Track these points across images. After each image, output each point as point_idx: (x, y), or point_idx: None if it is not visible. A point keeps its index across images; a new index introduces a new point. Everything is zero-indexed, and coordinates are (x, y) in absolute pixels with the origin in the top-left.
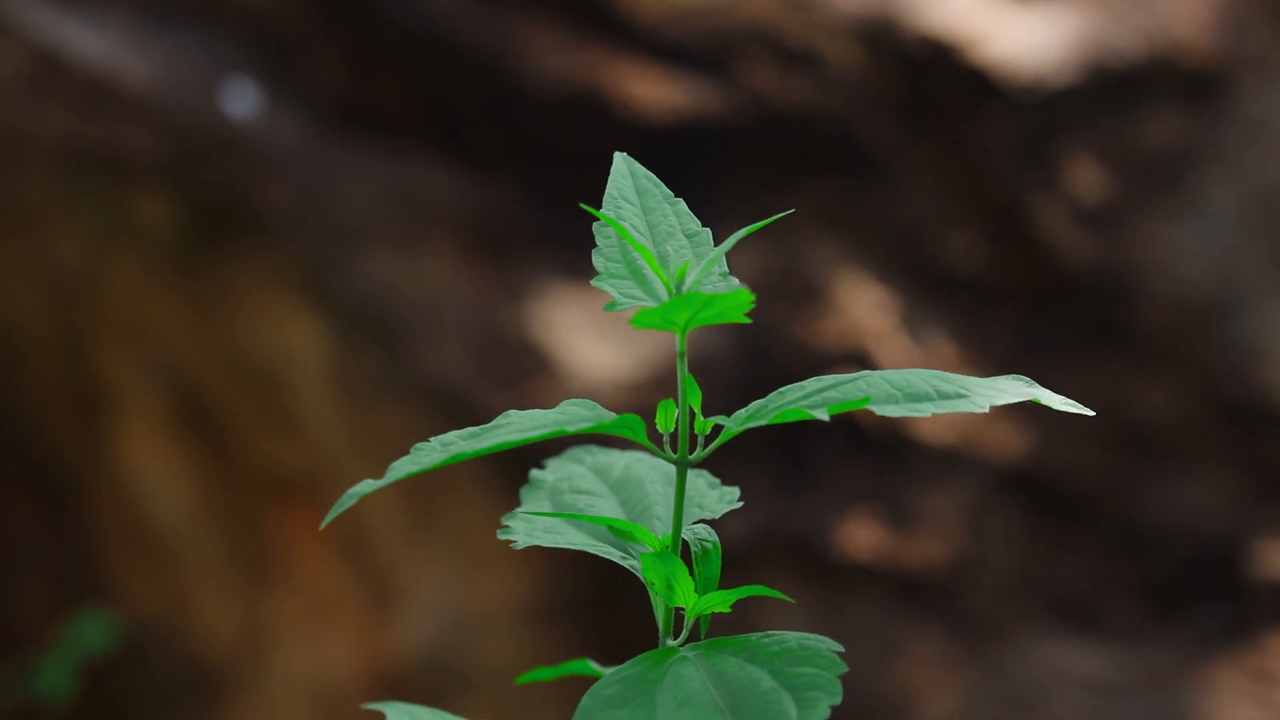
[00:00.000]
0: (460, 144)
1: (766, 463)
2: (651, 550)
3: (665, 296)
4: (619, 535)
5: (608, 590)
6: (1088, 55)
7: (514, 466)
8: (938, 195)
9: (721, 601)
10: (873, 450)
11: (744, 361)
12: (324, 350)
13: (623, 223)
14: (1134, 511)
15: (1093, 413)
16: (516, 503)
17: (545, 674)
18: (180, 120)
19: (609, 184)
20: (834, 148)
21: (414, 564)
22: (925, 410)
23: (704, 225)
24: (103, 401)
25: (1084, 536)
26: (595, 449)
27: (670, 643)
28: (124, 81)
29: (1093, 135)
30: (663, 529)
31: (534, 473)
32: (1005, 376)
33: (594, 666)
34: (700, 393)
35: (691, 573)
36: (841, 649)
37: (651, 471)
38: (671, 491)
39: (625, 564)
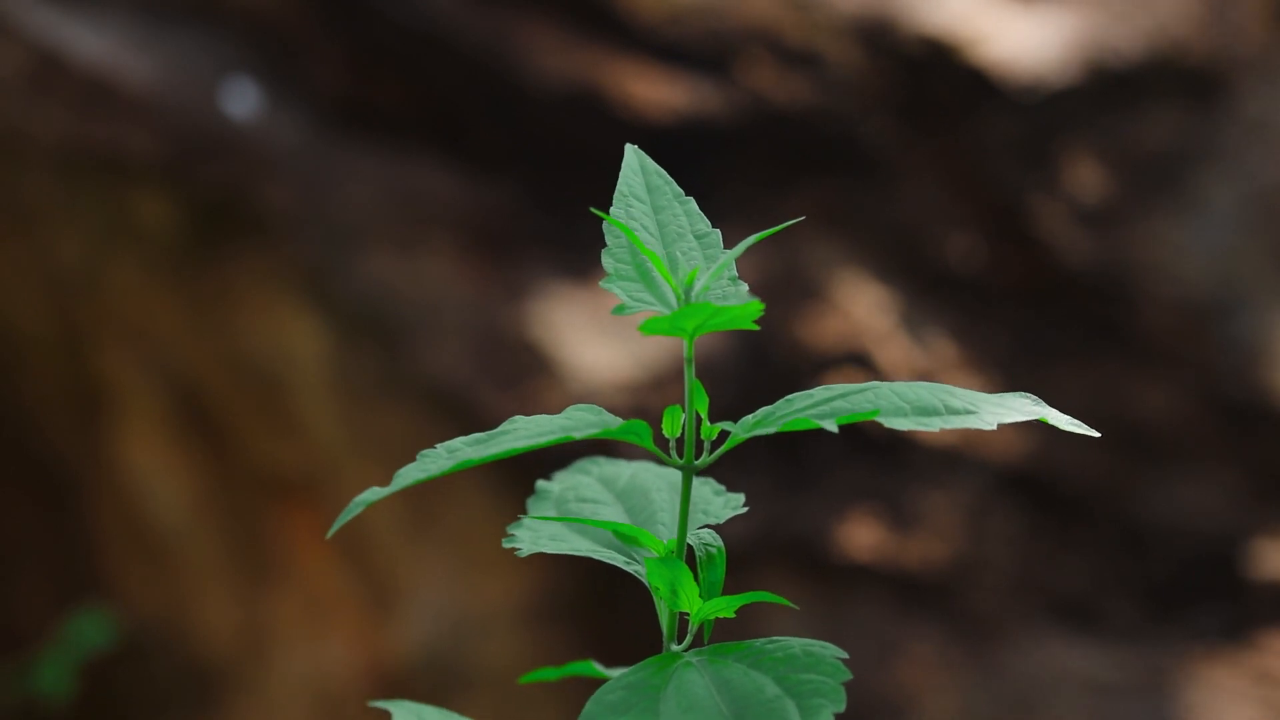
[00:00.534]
0: (460, 144)
1: (766, 463)
2: (656, 555)
3: (673, 300)
4: (624, 540)
5: (607, 591)
6: (1088, 55)
7: (514, 468)
8: (938, 195)
9: (726, 607)
10: (873, 450)
11: (744, 361)
12: (324, 350)
13: (632, 222)
14: (1134, 511)
15: (1098, 434)
16: (516, 503)
17: (549, 674)
18: (180, 120)
19: (620, 179)
20: (834, 148)
21: (414, 564)
22: (934, 425)
23: (715, 229)
24: (103, 401)
25: (1084, 536)
26: (602, 460)
27: (674, 648)
28: (124, 81)
29: (1093, 135)
30: (667, 535)
31: (540, 484)
32: (1013, 394)
33: (598, 668)
34: (707, 398)
35: (696, 578)
36: (846, 656)
37: (657, 480)
38: (676, 498)
39: (630, 569)
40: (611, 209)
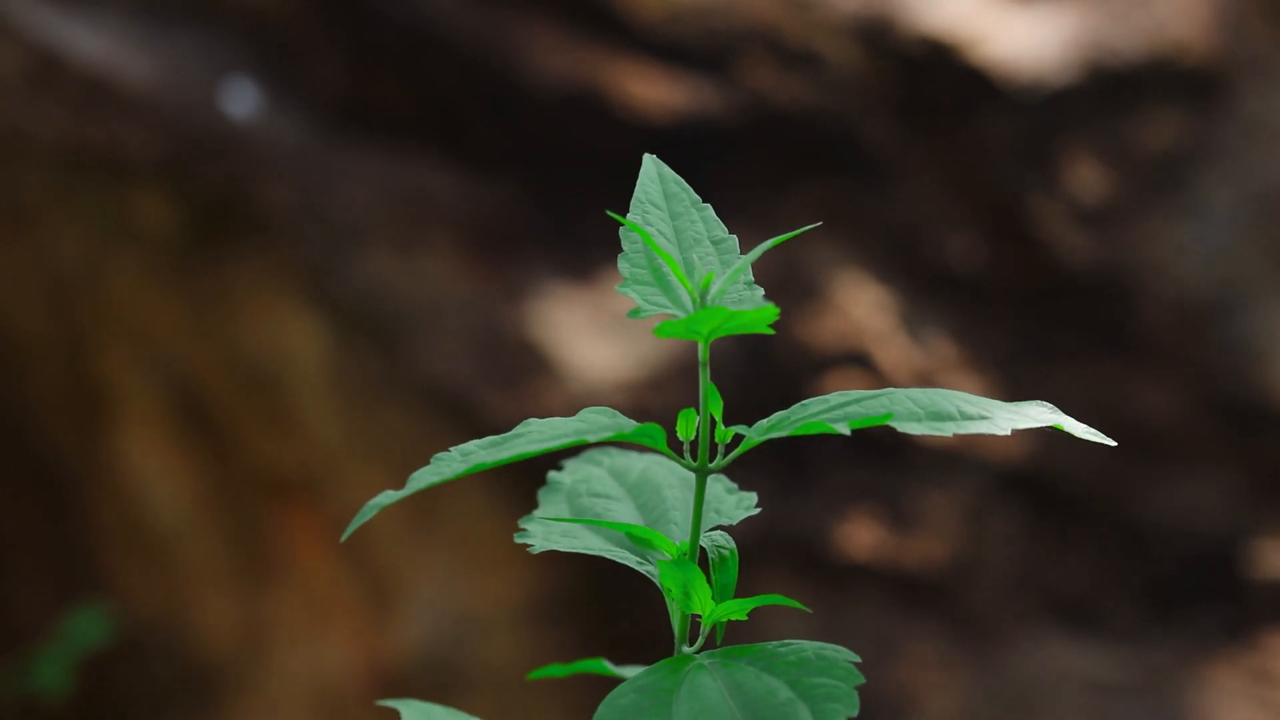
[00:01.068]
0: (460, 144)
1: (767, 463)
2: (669, 557)
3: (689, 304)
4: (636, 541)
5: (608, 590)
6: (1088, 55)
7: (516, 468)
8: (938, 195)
9: (739, 610)
10: (873, 450)
11: (744, 361)
12: (324, 350)
13: (649, 228)
14: (1134, 511)
15: (1114, 443)
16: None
17: (558, 670)
18: (180, 120)
19: (637, 187)
20: (834, 148)
21: (414, 564)
22: (948, 430)
23: (732, 235)
24: (102, 401)
25: (1084, 536)
26: (614, 451)
27: (686, 650)
28: (124, 81)
29: (1093, 135)
30: (680, 534)
31: (552, 474)
32: (1029, 402)
33: (609, 666)
34: (721, 401)
35: (709, 580)
36: (859, 659)
37: (669, 475)
38: (689, 496)
39: (642, 569)
40: (629, 215)
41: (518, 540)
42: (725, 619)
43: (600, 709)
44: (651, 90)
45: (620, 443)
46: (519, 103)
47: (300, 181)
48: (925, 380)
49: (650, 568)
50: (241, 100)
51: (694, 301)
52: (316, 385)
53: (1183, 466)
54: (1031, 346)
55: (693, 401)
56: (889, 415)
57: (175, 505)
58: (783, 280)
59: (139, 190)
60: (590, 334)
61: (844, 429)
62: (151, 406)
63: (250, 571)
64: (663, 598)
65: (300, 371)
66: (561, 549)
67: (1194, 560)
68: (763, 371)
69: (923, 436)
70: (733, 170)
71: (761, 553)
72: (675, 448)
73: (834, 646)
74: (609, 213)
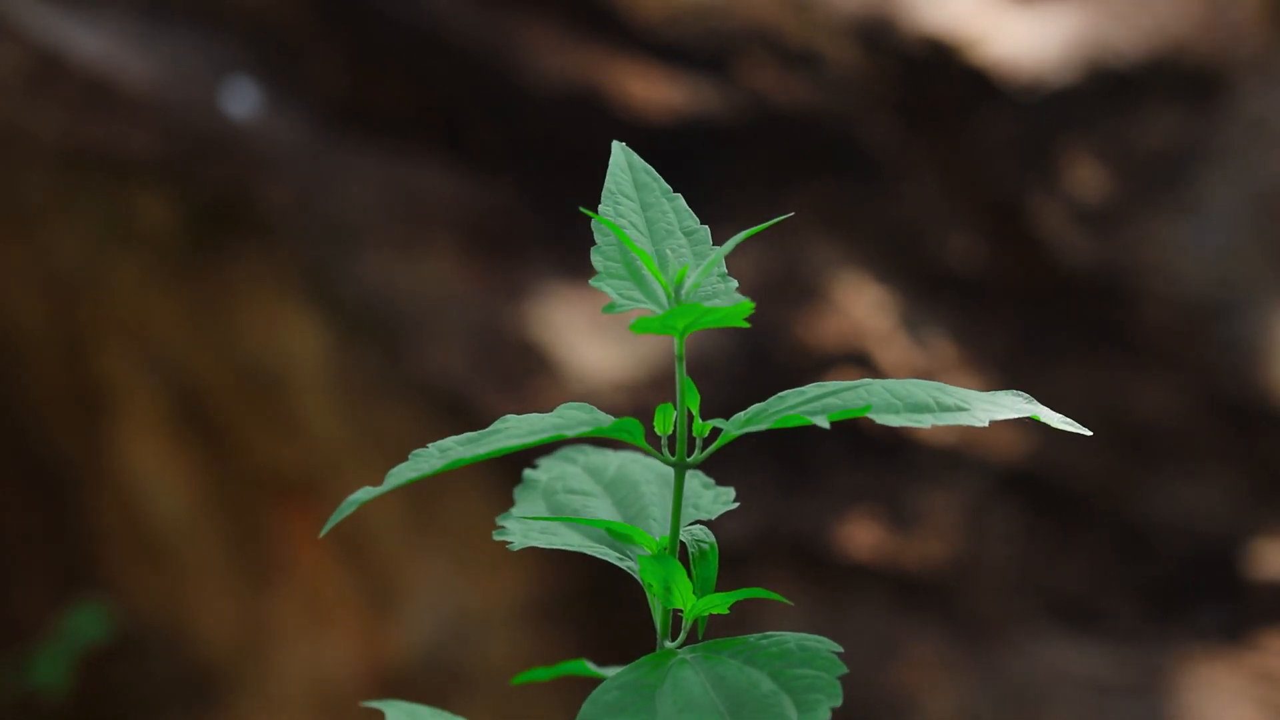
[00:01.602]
0: (460, 144)
1: (767, 463)
2: (649, 552)
3: (664, 299)
4: (616, 537)
5: (606, 590)
6: (1088, 55)
7: (514, 467)
8: (938, 195)
9: (720, 603)
10: (872, 450)
11: (743, 361)
12: (324, 350)
13: (621, 220)
14: (1134, 511)
15: (1090, 432)
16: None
17: (541, 674)
18: (180, 120)
19: (608, 177)
20: (834, 148)
21: (414, 564)
22: (925, 421)
23: (703, 225)
24: (103, 401)
25: (1084, 536)
26: (588, 448)
27: (668, 645)
28: (124, 81)
29: (1093, 135)
30: (659, 530)
31: (527, 472)
32: (1006, 391)
33: (591, 667)
34: (699, 395)
35: (690, 574)
36: (840, 650)
37: (646, 472)
38: (666, 492)
39: (622, 565)
40: (600, 207)
41: (496, 538)
42: (707, 613)
43: (585, 706)
44: (651, 90)
45: (597, 439)
46: (519, 103)
47: (300, 181)
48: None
49: (631, 563)
50: (241, 100)
51: (668, 296)
52: (317, 385)
53: (1183, 466)
54: (1031, 346)
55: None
56: (867, 407)
57: (175, 505)
58: (783, 281)
59: (139, 190)
60: (590, 334)
61: (822, 422)
62: (152, 406)
63: (250, 571)
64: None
65: (300, 371)
66: (541, 545)
67: (1194, 560)
68: (763, 372)
69: (922, 435)
70: (733, 170)
71: (761, 553)
72: (654, 443)
73: (816, 637)
74: (581, 209)
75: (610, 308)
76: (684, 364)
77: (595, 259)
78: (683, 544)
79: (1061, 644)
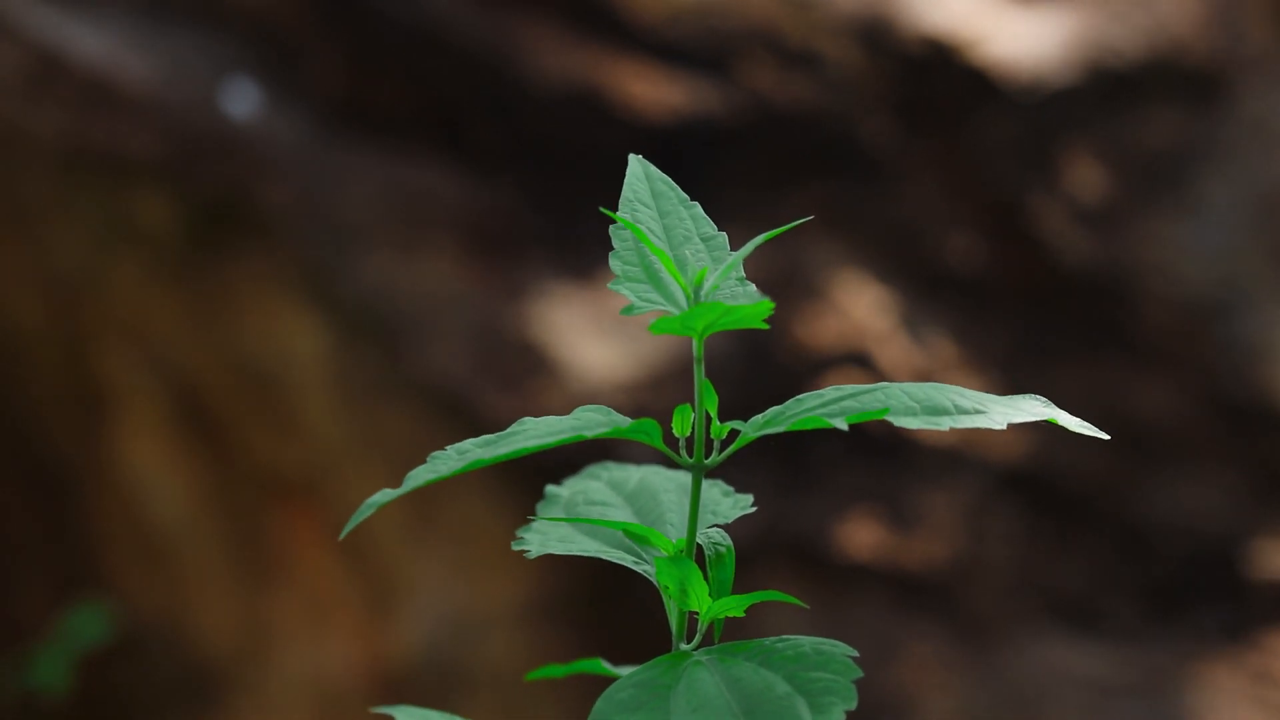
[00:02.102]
0: (460, 144)
1: (767, 463)
2: (666, 555)
3: (683, 301)
4: (633, 540)
5: (607, 592)
6: (1088, 55)
7: (515, 469)
8: (938, 195)
9: (736, 606)
10: (873, 450)
11: (744, 360)
12: (324, 350)
13: (639, 226)
14: (1134, 511)
15: (1107, 435)
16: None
17: (556, 671)
18: (180, 120)
19: (625, 187)
20: (834, 148)
21: (414, 564)
22: (943, 424)
23: (721, 231)
24: (103, 401)
25: (1084, 536)
26: (611, 465)
27: (684, 647)
28: (124, 81)
29: (1093, 135)
30: (676, 534)
31: (550, 489)
32: (1023, 395)
33: (606, 666)
34: (717, 397)
35: (705, 577)
36: (856, 654)
37: (666, 482)
38: (685, 499)
39: (639, 569)
40: (618, 213)
41: (515, 547)
42: (722, 615)
43: (599, 703)
44: (652, 90)
45: (616, 452)
46: (519, 103)
47: (300, 181)
48: (925, 380)
49: (648, 567)
50: (241, 100)
51: (688, 298)
52: (317, 385)
53: (1183, 466)
54: (1031, 346)
55: (692, 402)
56: (885, 410)
57: (176, 505)
58: (783, 280)
59: (139, 190)
60: (590, 334)
61: (841, 424)
62: (152, 406)
63: (251, 571)
64: (662, 598)
65: (301, 371)
66: (559, 552)
67: (1194, 560)
68: (763, 372)
69: (923, 435)
70: (733, 170)
71: (762, 553)
72: (671, 445)
73: (831, 641)
74: (601, 209)
75: (629, 310)
76: (702, 365)
77: (614, 263)
78: (699, 546)
79: (1061, 644)
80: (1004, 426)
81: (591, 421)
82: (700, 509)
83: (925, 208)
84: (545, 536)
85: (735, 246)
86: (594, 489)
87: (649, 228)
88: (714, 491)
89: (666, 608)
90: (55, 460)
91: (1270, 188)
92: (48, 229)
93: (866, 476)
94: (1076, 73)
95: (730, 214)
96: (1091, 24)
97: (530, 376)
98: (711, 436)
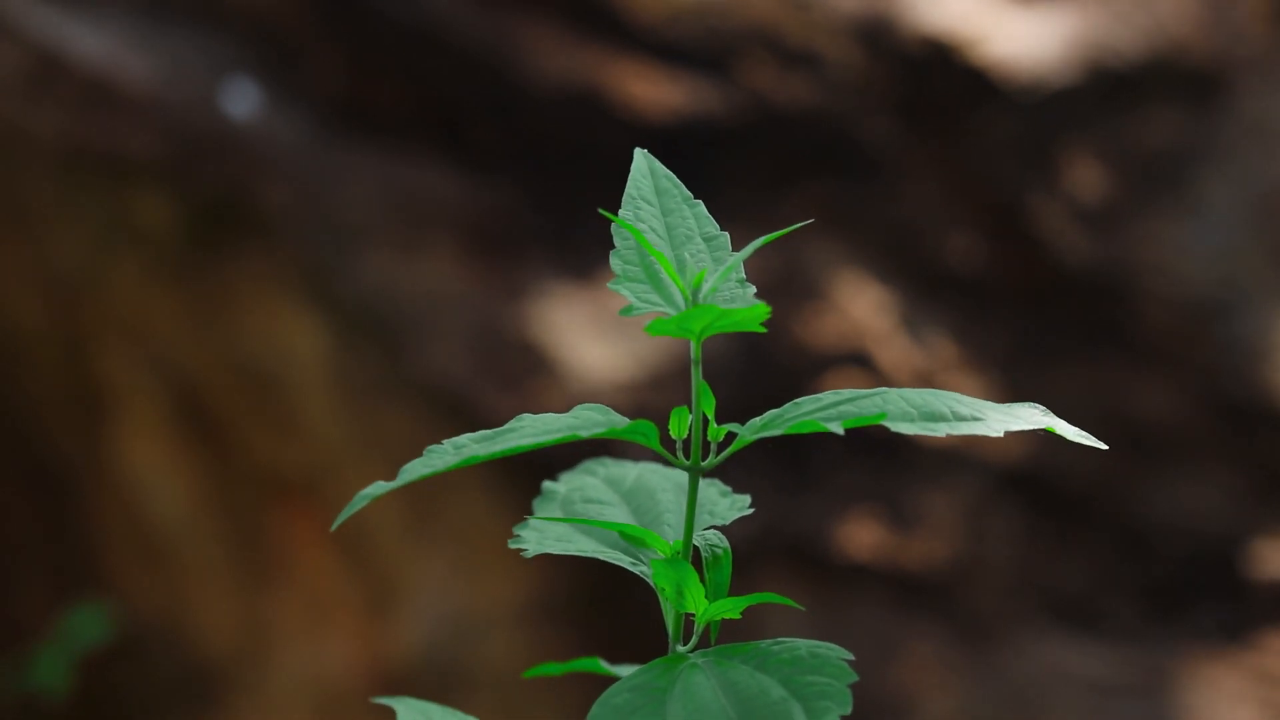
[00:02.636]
0: (460, 144)
1: (767, 463)
2: (662, 556)
3: (681, 302)
4: (630, 541)
5: (607, 592)
6: (1088, 55)
7: (515, 468)
8: (938, 195)
9: (732, 608)
10: (873, 450)
11: (743, 360)
12: (324, 350)
13: (640, 225)
14: (1134, 511)
15: (1105, 446)
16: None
17: (553, 669)
18: (180, 120)
19: (629, 183)
20: (834, 148)
21: (414, 564)
22: (940, 430)
23: (724, 231)
24: (103, 401)
25: (1084, 536)
26: (608, 461)
27: (680, 649)
28: (124, 81)
29: (1093, 135)
30: (673, 535)
31: (546, 484)
32: (1022, 404)
33: (604, 665)
34: (714, 399)
35: (702, 579)
36: (852, 657)
37: (663, 481)
38: (682, 498)
39: (636, 570)
40: (620, 211)
41: (512, 546)
42: (719, 617)
43: (594, 708)
44: (652, 90)
45: (615, 451)
46: (519, 103)
47: (300, 181)
48: (925, 380)
49: (644, 568)
50: (241, 100)
51: (686, 299)
52: (317, 385)
53: (1183, 467)
54: (1031, 346)
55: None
56: (882, 415)
57: (176, 505)
58: (783, 280)
59: (139, 190)
60: (590, 334)
61: (837, 428)
62: (152, 406)
63: (251, 571)
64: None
65: (301, 371)
66: (555, 552)
67: (1194, 560)
68: (762, 371)
69: (922, 436)
70: (733, 170)
71: (762, 553)
72: (668, 446)
73: (828, 645)
74: (601, 210)
75: (628, 310)
76: (700, 367)
77: (614, 262)
78: (696, 548)
79: (1061, 644)
80: (1001, 434)
81: (589, 421)
82: (697, 510)
83: (925, 208)
84: (542, 535)
85: (735, 247)
86: (591, 486)
87: (651, 226)
88: (711, 492)
89: (663, 609)
90: (55, 460)
91: (1270, 188)
92: (48, 229)
93: (866, 476)
94: (1076, 73)
95: (730, 214)
96: (1091, 24)
97: (530, 376)
98: (709, 439)
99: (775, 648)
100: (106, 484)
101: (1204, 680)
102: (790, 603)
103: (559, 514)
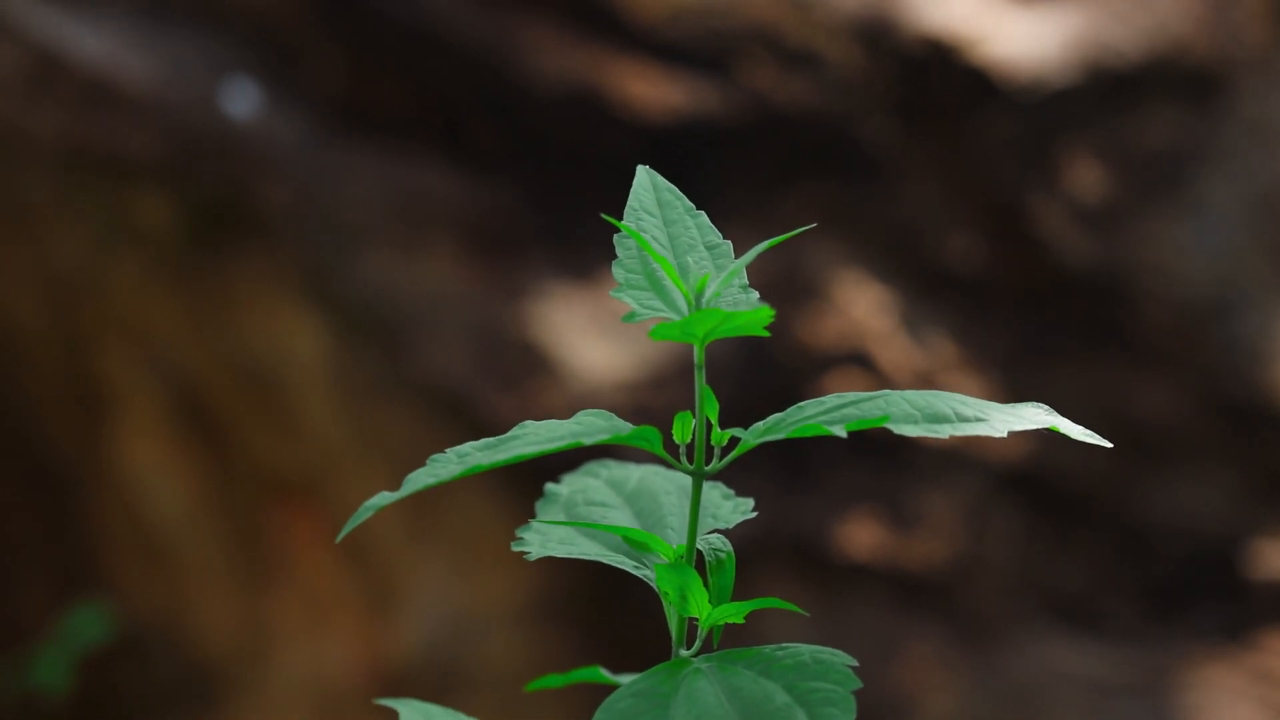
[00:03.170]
0: (460, 144)
1: (767, 463)
2: (666, 560)
3: (684, 308)
4: (633, 545)
5: (608, 592)
6: (1088, 55)
7: (516, 470)
8: (938, 195)
9: (735, 613)
10: (873, 451)
11: (744, 361)
12: (324, 350)
13: (644, 234)
14: (1134, 511)
15: (1110, 444)
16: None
17: (555, 681)
18: (180, 120)
19: (631, 195)
20: (834, 148)
21: (414, 564)
22: (944, 431)
23: (726, 240)
24: (103, 401)
25: (1084, 536)
26: (611, 463)
27: (683, 653)
28: (124, 81)
29: (1093, 135)
30: (677, 539)
31: (549, 486)
32: (1025, 404)
33: (605, 674)
34: (717, 404)
35: (705, 583)
36: (855, 663)
37: (666, 483)
38: (686, 502)
39: (639, 574)
40: (623, 222)
41: (515, 549)
42: (722, 622)
43: (598, 713)
44: (652, 90)
45: (617, 453)
46: (519, 103)
47: (300, 181)
48: (925, 380)
49: (647, 572)
50: (241, 100)
51: (689, 304)
52: (317, 385)
53: (1183, 467)
54: (1031, 346)
55: (692, 403)
56: (885, 418)
57: (176, 505)
58: (783, 281)
59: (139, 190)
60: (590, 334)
61: (840, 431)
62: (152, 406)
63: (251, 571)
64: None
65: (300, 371)
66: (558, 555)
67: (1194, 560)
68: (762, 372)
69: (922, 436)
70: (733, 170)
71: (762, 553)
72: (672, 451)
73: (831, 650)
74: (604, 216)
75: (631, 316)
76: (703, 372)
77: (616, 271)
78: (699, 552)
79: (1061, 644)
80: (1005, 434)
81: (592, 427)
82: (700, 513)
83: (925, 208)
84: (545, 538)
85: (736, 249)
86: (593, 488)
87: (653, 235)
88: (714, 494)
89: (666, 613)
90: (55, 460)
91: (1270, 188)
92: (48, 229)
93: (866, 477)
94: (1076, 73)
95: (730, 214)
96: (1091, 24)
97: (530, 376)
98: (712, 443)
99: (779, 653)
100: (106, 484)
101: (1204, 680)
102: (793, 607)
103: (561, 517)
